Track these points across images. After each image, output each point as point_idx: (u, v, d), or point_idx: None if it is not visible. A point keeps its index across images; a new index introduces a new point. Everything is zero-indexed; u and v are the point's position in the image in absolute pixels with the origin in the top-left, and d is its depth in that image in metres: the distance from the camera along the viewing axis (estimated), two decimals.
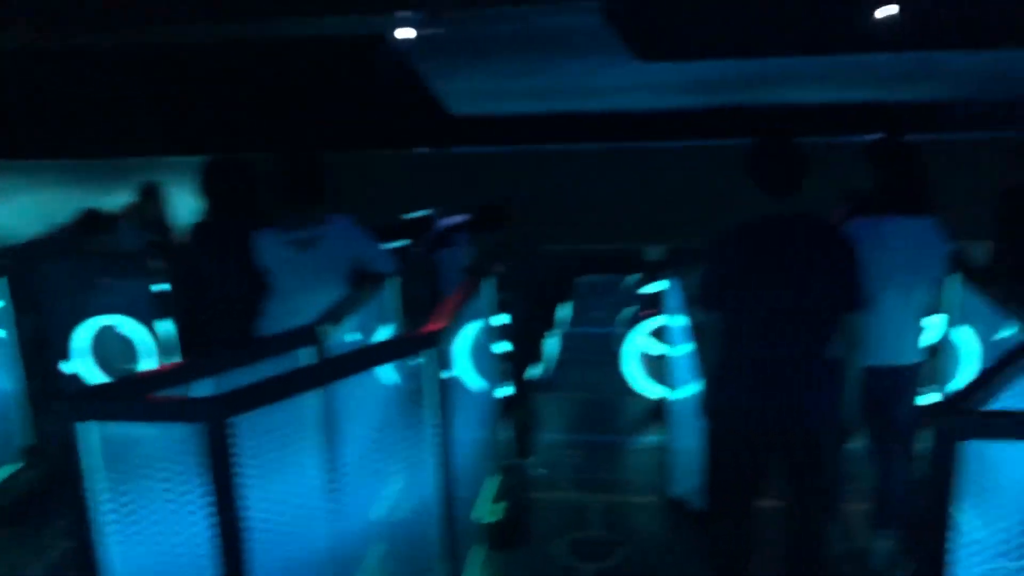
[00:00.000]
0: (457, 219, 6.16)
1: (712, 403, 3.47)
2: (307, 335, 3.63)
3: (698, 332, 3.77)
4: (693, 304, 3.82)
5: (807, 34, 10.15)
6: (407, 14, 9.14)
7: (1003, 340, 3.89)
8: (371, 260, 4.31)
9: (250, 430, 2.91)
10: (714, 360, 3.41)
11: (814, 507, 3.44)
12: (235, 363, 3.32)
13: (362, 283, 4.22)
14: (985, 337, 4.27)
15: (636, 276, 7.69)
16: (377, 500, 3.77)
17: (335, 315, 3.83)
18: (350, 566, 3.61)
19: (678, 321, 4.62)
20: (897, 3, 9.10)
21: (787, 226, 3.28)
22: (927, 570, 2.57)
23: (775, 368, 3.28)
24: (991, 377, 2.73)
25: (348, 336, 4.02)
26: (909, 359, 3.92)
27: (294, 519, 3.21)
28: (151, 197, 7.40)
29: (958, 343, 4.55)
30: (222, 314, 4.30)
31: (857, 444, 4.19)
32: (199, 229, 4.31)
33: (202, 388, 3.32)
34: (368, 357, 3.48)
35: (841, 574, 4.09)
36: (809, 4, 9.76)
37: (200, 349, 4.26)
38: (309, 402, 3.27)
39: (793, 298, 3.24)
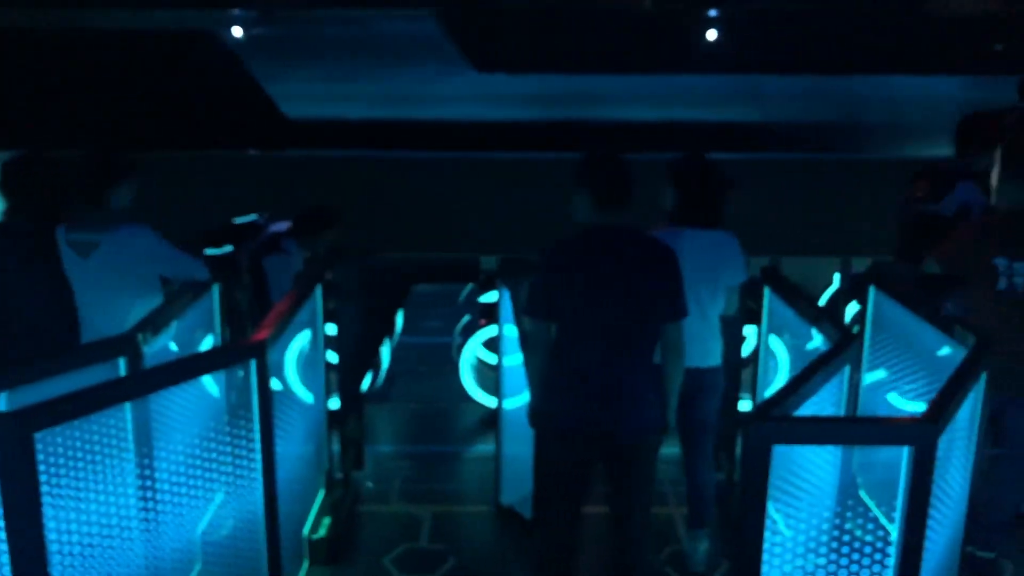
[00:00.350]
0: (286, 224, 5.99)
1: (538, 411, 3.51)
2: (121, 345, 3.44)
3: (526, 342, 3.81)
4: (522, 314, 3.86)
5: (639, 53, 10.54)
6: (240, 12, 8.87)
7: (813, 350, 4.14)
8: (175, 269, 4.14)
9: (55, 446, 2.73)
10: (542, 370, 3.46)
11: (637, 512, 3.54)
12: (39, 375, 3.10)
13: (181, 290, 4.03)
14: (795, 346, 4.53)
15: (471, 285, 7.73)
16: (199, 517, 3.60)
17: (153, 323, 3.64)
18: None
19: (511, 331, 4.66)
20: (720, 29, 9.58)
21: (613, 238, 3.37)
22: (743, 568, 2.68)
23: (600, 376, 3.36)
24: (799, 385, 2.89)
25: (168, 345, 3.83)
26: (708, 362, 4.13)
27: (105, 540, 3.02)
28: None
29: (775, 351, 4.81)
30: (28, 326, 4.01)
31: (674, 448, 4.40)
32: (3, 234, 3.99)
33: (2, 403, 3.09)
34: (187, 368, 3.32)
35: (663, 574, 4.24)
36: (641, 25, 10.13)
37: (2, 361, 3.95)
38: (122, 415, 3.09)
39: (618, 308, 3.33)
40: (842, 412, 3.44)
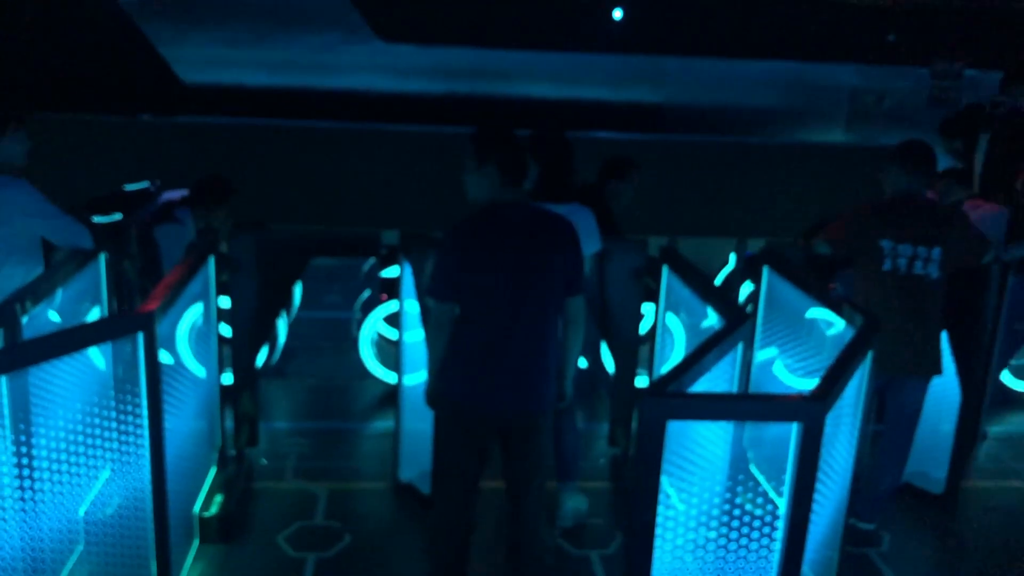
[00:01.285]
0: (179, 193, 5.78)
1: (438, 393, 3.49)
2: None
3: (426, 319, 3.76)
4: (425, 295, 3.81)
5: (545, 30, 10.52)
6: None
7: (707, 328, 4.23)
8: (53, 230, 3.94)
9: None
10: (442, 347, 3.43)
11: (534, 487, 3.55)
12: None
13: (66, 260, 3.85)
14: (691, 325, 4.62)
15: (372, 260, 7.63)
16: (82, 496, 3.46)
17: (33, 293, 3.46)
18: (49, 569, 3.29)
19: (412, 306, 4.61)
20: (625, 8, 9.64)
21: (515, 214, 3.35)
22: (636, 541, 2.72)
23: (504, 356, 3.35)
24: (694, 362, 2.93)
25: (49, 316, 3.66)
26: None
27: None
28: None
29: (671, 329, 4.90)
30: None
31: None
32: None
33: None
34: (69, 340, 3.16)
35: (558, 548, 4.28)
36: (549, 2, 10.12)
37: None
38: None
39: (524, 284, 3.32)
40: (735, 389, 3.51)
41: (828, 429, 2.82)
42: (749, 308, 4.82)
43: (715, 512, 2.90)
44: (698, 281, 4.30)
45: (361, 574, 4.05)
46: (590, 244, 4.25)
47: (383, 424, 5.62)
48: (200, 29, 10.36)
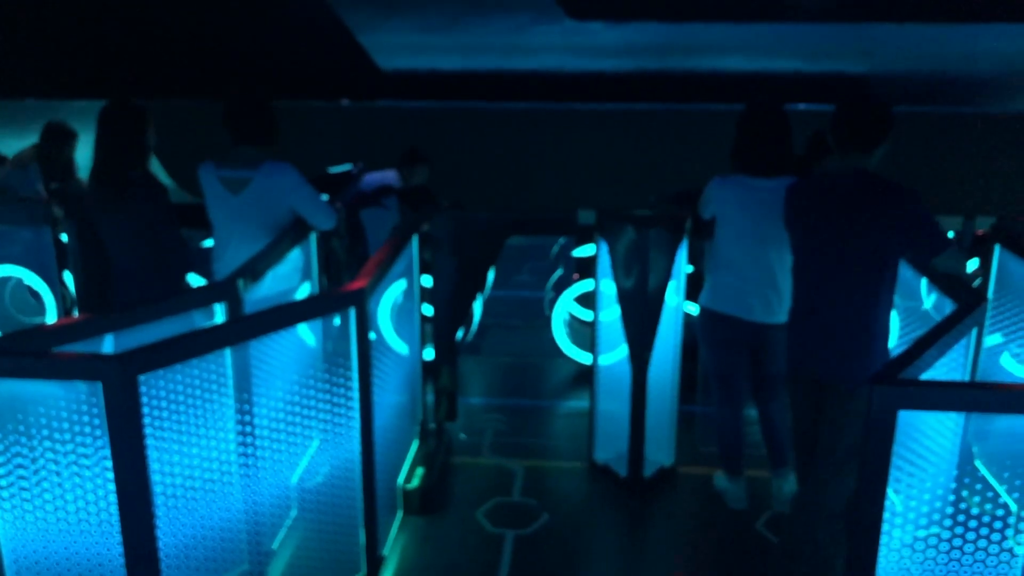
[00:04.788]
0: (381, 175, 5.97)
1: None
2: (222, 290, 3.44)
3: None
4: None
5: (737, 1, 10.12)
6: None
7: (925, 312, 3.92)
8: (309, 213, 4.13)
9: (159, 389, 2.74)
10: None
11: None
12: (143, 319, 3.11)
13: (282, 236, 4.02)
14: (906, 308, 4.30)
15: (563, 239, 7.62)
16: (296, 463, 3.61)
17: (253, 269, 3.63)
18: (267, 532, 3.46)
19: (608, 286, 4.53)
20: None
21: (843, 182, 3.30)
22: (861, 537, 2.54)
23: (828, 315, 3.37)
24: (925, 348, 2.70)
25: (266, 291, 3.83)
26: (780, 319, 4.09)
27: (205, 484, 3.05)
28: (54, 139, 6.93)
29: None
30: (122, 272, 4.05)
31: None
32: (94, 178, 4.01)
33: (108, 345, 3.12)
34: (287, 315, 3.29)
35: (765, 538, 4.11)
36: None
37: (101, 305, 4.02)
38: (222, 361, 3.09)
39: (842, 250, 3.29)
40: (967, 378, 3.23)
41: None
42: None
43: (948, 510, 2.66)
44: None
45: (560, 553, 4.03)
46: None
47: (577, 404, 5.59)
48: (396, 16, 10.64)
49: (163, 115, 4.22)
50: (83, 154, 5.61)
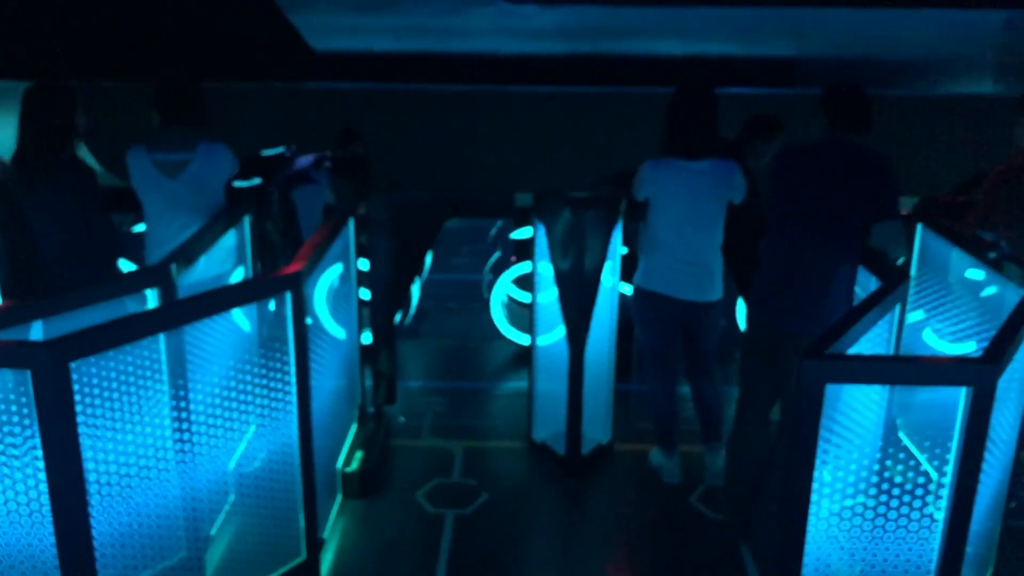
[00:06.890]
0: (314, 157, 5.90)
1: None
2: (155, 275, 3.38)
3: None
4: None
5: None
6: None
7: None
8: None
9: (91, 376, 2.69)
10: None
11: None
12: (73, 305, 3.05)
13: (215, 219, 3.96)
14: None
15: (500, 222, 7.64)
16: (233, 449, 3.58)
17: (186, 253, 3.58)
18: (205, 518, 3.43)
19: (545, 268, 4.57)
20: None
21: (824, 151, 3.56)
22: (791, 507, 2.63)
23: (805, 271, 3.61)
24: (852, 323, 2.78)
25: (200, 275, 3.78)
26: (714, 296, 4.29)
27: (141, 471, 3.01)
28: None
29: None
30: (50, 258, 3.94)
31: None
32: (18, 161, 3.88)
33: (37, 332, 3.05)
34: (221, 299, 3.26)
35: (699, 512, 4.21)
36: None
37: (29, 292, 3.90)
38: (156, 347, 3.04)
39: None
40: (891, 353, 3.34)
41: (997, 395, 2.64)
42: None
43: (874, 480, 2.77)
44: None
45: (500, 532, 4.08)
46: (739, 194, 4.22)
47: (515, 384, 5.64)
48: None
49: (88, 97, 4.10)
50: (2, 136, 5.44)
